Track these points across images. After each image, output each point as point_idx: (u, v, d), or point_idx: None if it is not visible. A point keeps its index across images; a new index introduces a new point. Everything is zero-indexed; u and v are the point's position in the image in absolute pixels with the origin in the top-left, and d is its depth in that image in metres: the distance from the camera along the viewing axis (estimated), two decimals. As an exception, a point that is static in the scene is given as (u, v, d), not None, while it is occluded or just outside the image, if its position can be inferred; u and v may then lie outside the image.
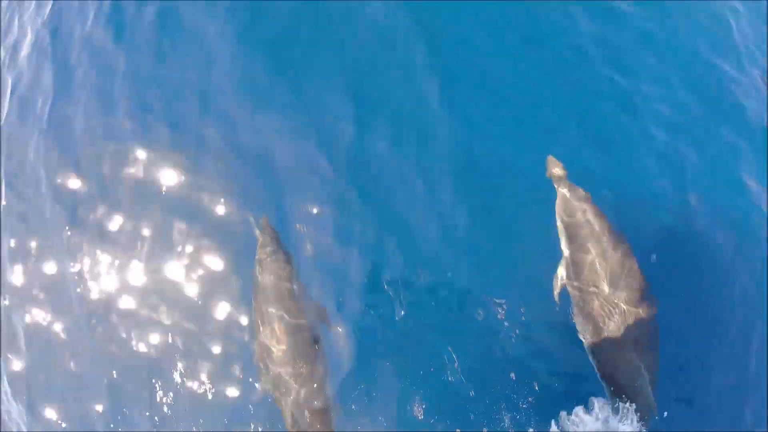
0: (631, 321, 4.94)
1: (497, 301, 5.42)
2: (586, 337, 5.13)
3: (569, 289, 5.18)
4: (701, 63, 6.36)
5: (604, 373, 5.07)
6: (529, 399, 5.12)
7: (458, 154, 5.91)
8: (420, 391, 5.22)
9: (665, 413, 4.96)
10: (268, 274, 5.35)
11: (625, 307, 4.95)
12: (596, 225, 5.12)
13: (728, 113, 6.15)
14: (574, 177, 5.30)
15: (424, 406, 5.15)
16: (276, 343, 5.16)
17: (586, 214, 5.17)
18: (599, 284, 5.03)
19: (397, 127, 6.02)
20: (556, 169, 5.37)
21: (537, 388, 5.17)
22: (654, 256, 5.47)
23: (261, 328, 5.26)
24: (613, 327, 4.97)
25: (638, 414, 4.86)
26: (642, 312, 4.96)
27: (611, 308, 4.98)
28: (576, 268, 5.14)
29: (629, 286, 4.98)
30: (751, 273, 5.56)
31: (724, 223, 5.71)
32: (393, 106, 6.10)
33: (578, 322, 5.17)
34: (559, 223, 5.31)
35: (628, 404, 4.89)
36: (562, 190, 5.32)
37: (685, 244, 5.63)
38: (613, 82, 6.17)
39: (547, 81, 6.17)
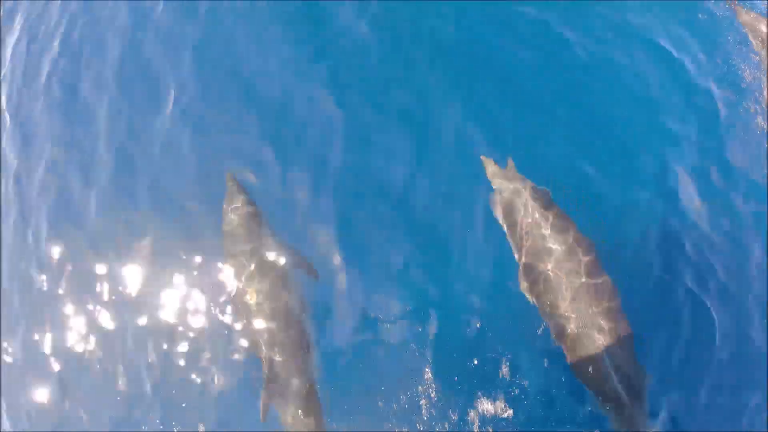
0: (589, 307, 4.87)
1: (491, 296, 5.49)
2: (552, 334, 5.05)
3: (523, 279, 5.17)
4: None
5: (572, 365, 4.96)
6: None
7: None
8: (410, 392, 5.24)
9: (665, 413, 5.05)
10: (235, 221, 5.51)
11: (581, 293, 4.88)
12: (536, 213, 5.15)
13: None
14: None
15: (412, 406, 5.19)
16: (249, 282, 5.26)
17: (527, 204, 5.22)
18: (549, 270, 4.99)
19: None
20: (491, 167, 5.51)
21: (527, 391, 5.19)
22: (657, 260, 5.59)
23: (234, 271, 5.36)
24: (571, 315, 4.88)
25: (610, 408, 4.81)
26: (599, 297, 4.88)
27: (566, 297, 4.90)
28: (524, 264, 5.13)
29: (581, 272, 4.93)
30: (751, 272, 5.60)
31: (725, 221, 5.80)
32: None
33: (541, 314, 5.13)
34: (501, 221, 5.40)
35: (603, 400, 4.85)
36: (498, 186, 5.46)
37: (685, 243, 5.68)
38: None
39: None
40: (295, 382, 5.04)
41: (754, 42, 6.34)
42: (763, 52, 6.25)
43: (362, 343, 5.41)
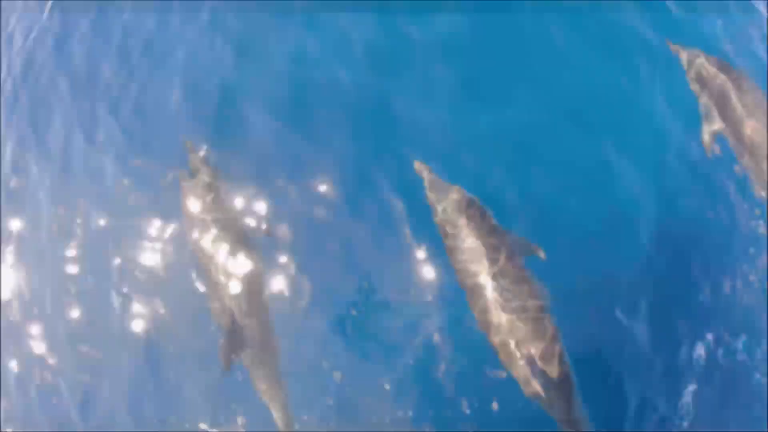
0: (508, 311, 4.89)
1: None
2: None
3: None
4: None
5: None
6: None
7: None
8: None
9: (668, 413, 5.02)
10: (195, 186, 5.90)
11: (501, 299, 4.91)
12: (461, 218, 5.21)
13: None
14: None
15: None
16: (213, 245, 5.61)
17: (451, 210, 5.28)
18: (474, 274, 5.03)
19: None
20: (424, 173, 5.52)
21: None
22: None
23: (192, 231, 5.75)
24: (495, 319, 4.91)
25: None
26: (523, 301, 4.91)
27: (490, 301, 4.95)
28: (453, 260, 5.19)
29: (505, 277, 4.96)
30: (751, 272, 5.56)
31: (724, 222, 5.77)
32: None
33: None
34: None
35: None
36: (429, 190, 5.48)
37: (687, 245, 5.69)
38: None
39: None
40: (255, 332, 5.38)
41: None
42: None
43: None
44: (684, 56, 6.43)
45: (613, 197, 5.94)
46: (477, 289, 5.02)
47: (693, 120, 6.13)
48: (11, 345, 6.37)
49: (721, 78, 6.07)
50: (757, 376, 5.26)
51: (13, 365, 6.33)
